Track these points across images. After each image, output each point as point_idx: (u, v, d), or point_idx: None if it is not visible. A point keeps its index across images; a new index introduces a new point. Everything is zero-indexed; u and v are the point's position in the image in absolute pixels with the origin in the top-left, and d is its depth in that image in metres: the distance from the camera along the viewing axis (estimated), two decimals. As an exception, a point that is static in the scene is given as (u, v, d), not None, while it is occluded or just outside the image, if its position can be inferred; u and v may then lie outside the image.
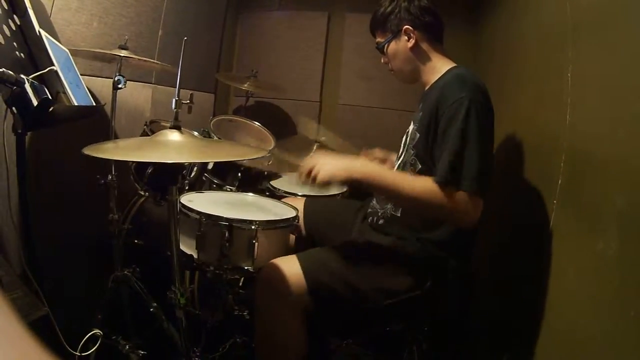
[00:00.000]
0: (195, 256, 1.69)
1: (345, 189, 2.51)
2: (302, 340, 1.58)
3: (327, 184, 1.52)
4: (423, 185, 1.48)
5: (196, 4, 3.25)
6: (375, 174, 1.55)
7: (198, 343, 1.81)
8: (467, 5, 3.33)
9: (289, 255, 1.64)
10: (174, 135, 1.44)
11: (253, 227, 1.68)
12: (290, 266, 1.57)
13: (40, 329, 1.42)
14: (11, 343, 0.33)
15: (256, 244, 1.67)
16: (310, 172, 1.52)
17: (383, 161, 2.02)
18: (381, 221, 1.76)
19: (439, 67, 1.73)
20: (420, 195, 1.47)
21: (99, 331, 1.73)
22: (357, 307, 1.60)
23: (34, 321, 1.37)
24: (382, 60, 1.87)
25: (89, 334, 1.70)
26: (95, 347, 1.70)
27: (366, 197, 2.03)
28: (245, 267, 1.69)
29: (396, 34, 1.75)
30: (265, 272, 1.62)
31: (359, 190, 1.75)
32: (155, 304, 1.91)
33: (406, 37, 1.74)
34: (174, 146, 1.41)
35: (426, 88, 1.78)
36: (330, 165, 1.51)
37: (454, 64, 1.73)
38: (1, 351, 0.31)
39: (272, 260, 1.62)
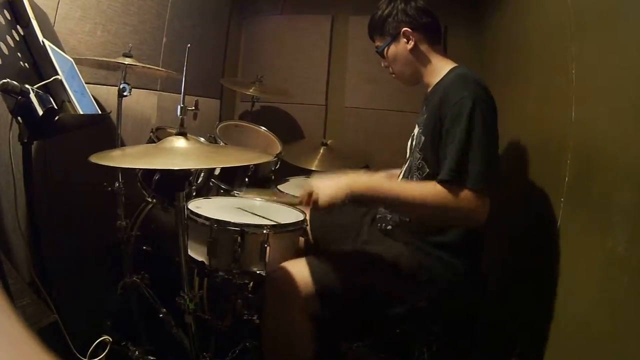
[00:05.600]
0: (207, 262, 1.70)
1: None
2: (309, 345, 1.57)
3: (330, 205, 1.51)
4: (426, 188, 1.47)
5: (199, 10, 3.26)
6: (376, 184, 1.55)
7: (208, 348, 1.81)
8: (470, 5, 3.32)
9: (298, 259, 1.64)
10: (179, 142, 1.44)
11: (264, 231, 1.68)
12: (299, 270, 1.57)
13: (50, 336, 1.43)
14: (13, 345, 0.33)
15: (268, 248, 1.67)
16: (310, 198, 1.53)
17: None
18: (389, 227, 1.76)
19: (439, 68, 1.72)
20: (425, 199, 1.45)
21: (109, 337, 1.74)
22: (365, 312, 1.60)
23: (43, 328, 1.38)
24: (382, 64, 1.85)
25: (98, 340, 1.71)
26: (105, 353, 1.70)
27: None
28: (257, 272, 1.69)
29: (395, 37, 1.74)
30: (274, 275, 1.62)
31: (362, 206, 1.75)
32: (164, 309, 1.91)
33: (405, 40, 1.72)
34: (180, 152, 1.42)
35: (428, 90, 1.77)
36: (328, 186, 1.51)
37: (454, 64, 1.72)
38: (3, 352, 0.31)
39: (282, 264, 1.62)
